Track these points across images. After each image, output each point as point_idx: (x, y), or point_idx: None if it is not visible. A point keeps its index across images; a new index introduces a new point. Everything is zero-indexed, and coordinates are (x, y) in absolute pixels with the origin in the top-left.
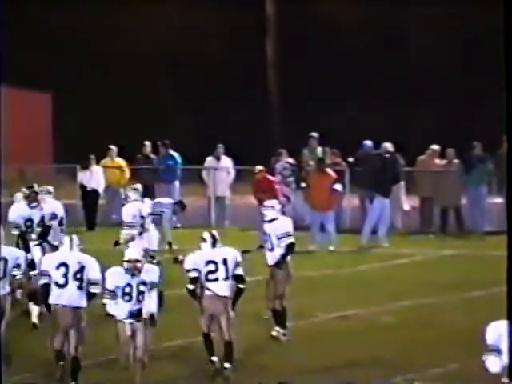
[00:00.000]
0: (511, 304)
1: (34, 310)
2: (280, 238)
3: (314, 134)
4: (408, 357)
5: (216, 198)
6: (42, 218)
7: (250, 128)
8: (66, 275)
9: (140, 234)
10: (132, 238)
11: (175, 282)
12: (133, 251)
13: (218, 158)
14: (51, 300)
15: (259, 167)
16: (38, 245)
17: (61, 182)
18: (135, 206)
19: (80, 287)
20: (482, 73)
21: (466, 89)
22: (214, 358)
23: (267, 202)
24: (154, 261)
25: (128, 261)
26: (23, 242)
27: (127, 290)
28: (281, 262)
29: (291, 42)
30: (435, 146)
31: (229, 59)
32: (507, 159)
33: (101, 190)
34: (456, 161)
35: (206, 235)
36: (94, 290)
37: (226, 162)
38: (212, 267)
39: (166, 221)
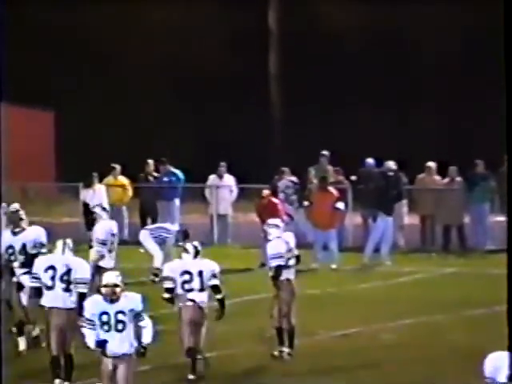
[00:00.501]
0: None
1: (21, 341)
2: (272, 259)
3: (325, 153)
4: (410, 375)
5: (218, 215)
6: (24, 246)
7: (251, 145)
8: (53, 278)
9: (110, 251)
10: (102, 257)
11: None
12: (110, 275)
13: (220, 176)
14: (43, 302)
15: (266, 191)
16: (25, 273)
17: (63, 200)
18: (108, 225)
19: (67, 289)
20: (484, 85)
21: (467, 103)
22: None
23: (270, 220)
24: (157, 279)
25: (105, 285)
26: (8, 272)
27: (104, 318)
28: (274, 279)
29: (293, 52)
30: (431, 163)
31: (230, 72)
32: (507, 177)
33: (107, 207)
34: (458, 179)
35: (189, 246)
36: (81, 289)
37: (229, 180)
38: (187, 277)
39: (170, 245)
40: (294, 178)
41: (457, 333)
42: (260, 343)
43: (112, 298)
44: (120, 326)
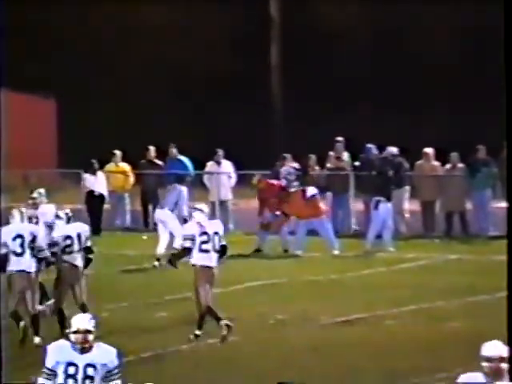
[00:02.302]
0: None
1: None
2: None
3: (340, 139)
4: (412, 361)
5: (219, 202)
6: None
7: (252, 132)
8: (22, 245)
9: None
10: None
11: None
12: (82, 319)
13: (218, 163)
14: (9, 267)
15: (257, 177)
16: None
17: (65, 187)
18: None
19: (33, 255)
20: (483, 79)
21: (467, 92)
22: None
23: (197, 204)
24: (157, 263)
25: (76, 331)
26: None
27: (71, 370)
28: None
29: (294, 46)
30: (428, 149)
31: (231, 64)
32: (507, 164)
33: (106, 194)
34: (460, 165)
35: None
36: (41, 255)
37: (227, 166)
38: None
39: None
40: (296, 165)
41: (459, 319)
42: (262, 329)
43: (83, 347)
44: (87, 383)
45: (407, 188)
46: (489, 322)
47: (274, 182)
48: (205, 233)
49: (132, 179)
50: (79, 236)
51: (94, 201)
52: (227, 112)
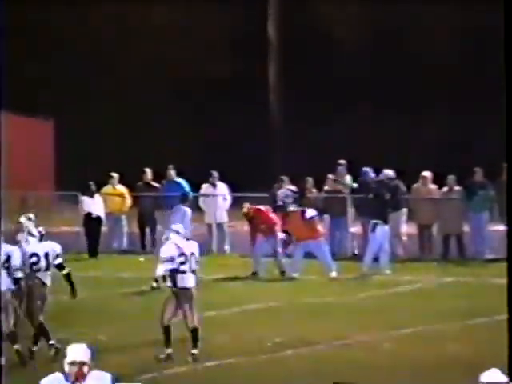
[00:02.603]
0: None
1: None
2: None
3: (342, 162)
4: None
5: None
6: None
7: (250, 154)
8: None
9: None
10: None
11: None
12: (78, 350)
13: (213, 185)
14: None
15: (245, 206)
16: None
17: (63, 209)
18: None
19: (8, 274)
20: (483, 79)
21: (467, 92)
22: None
23: (174, 226)
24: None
25: (72, 363)
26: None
27: None
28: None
29: (294, 46)
30: (426, 173)
31: (231, 64)
32: (507, 186)
33: (103, 217)
34: (457, 188)
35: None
36: (16, 275)
37: (222, 188)
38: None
39: None
40: (293, 187)
41: (457, 342)
42: (260, 352)
43: (76, 378)
44: None
45: (404, 211)
46: (487, 344)
47: (262, 207)
48: (182, 254)
49: (129, 201)
50: (47, 255)
51: (91, 223)
52: (227, 112)
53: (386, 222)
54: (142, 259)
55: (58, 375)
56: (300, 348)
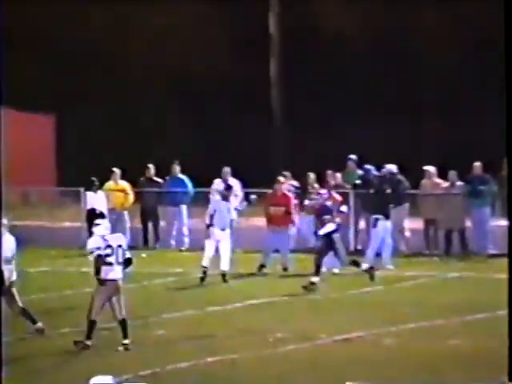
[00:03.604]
0: None
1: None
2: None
3: (353, 157)
4: (411, 379)
5: None
6: None
7: (252, 132)
8: None
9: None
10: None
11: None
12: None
13: (225, 181)
14: None
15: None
16: None
17: (64, 205)
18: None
19: None
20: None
21: (467, 92)
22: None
23: (98, 220)
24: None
25: None
26: None
27: None
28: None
29: (294, 46)
30: (428, 167)
31: (231, 64)
32: (508, 181)
33: (106, 212)
34: (459, 183)
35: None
36: None
37: (234, 184)
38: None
39: None
40: (295, 183)
41: (459, 337)
42: (262, 347)
43: None
44: None
45: (407, 206)
46: (488, 339)
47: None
48: (109, 246)
49: (131, 197)
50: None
51: (94, 219)
52: (227, 112)
53: (387, 217)
54: (144, 255)
55: None
56: (302, 343)
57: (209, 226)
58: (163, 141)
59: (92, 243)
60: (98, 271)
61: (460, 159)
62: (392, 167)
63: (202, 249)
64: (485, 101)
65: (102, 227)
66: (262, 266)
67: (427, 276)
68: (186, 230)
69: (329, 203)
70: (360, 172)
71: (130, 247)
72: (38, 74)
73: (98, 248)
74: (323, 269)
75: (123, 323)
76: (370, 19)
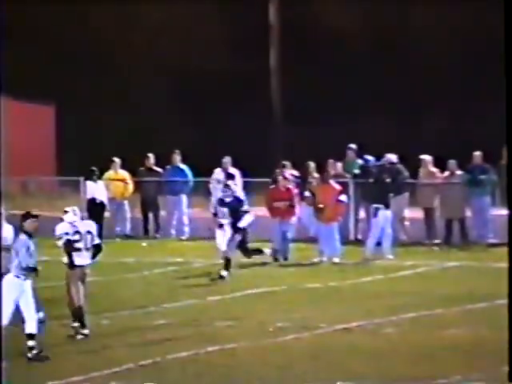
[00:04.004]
0: None
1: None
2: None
3: (353, 146)
4: (411, 368)
5: None
6: None
7: (252, 132)
8: None
9: None
10: None
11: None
12: None
13: (225, 170)
14: None
15: (286, 173)
16: None
17: (64, 194)
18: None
19: None
20: (484, 78)
21: (467, 92)
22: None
23: (68, 208)
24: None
25: None
26: None
27: None
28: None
29: (294, 46)
30: (424, 156)
31: (231, 64)
32: (507, 170)
33: (106, 202)
34: (459, 172)
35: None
36: None
37: (234, 173)
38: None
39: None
40: (295, 172)
41: (459, 326)
42: (262, 337)
43: None
44: None
45: (406, 195)
46: (488, 329)
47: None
48: (77, 232)
49: (131, 187)
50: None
51: (95, 208)
52: (227, 112)
53: (387, 206)
54: (144, 244)
55: None
56: (301, 333)
57: (215, 214)
58: (163, 130)
59: (60, 229)
60: (68, 256)
61: (460, 149)
62: (392, 157)
63: (203, 238)
64: (485, 89)
65: (71, 214)
66: (276, 260)
67: (427, 265)
68: (186, 220)
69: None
70: (359, 161)
71: (130, 237)
72: (37, 64)
73: (67, 233)
74: (324, 258)
75: (80, 310)
76: (369, 15)
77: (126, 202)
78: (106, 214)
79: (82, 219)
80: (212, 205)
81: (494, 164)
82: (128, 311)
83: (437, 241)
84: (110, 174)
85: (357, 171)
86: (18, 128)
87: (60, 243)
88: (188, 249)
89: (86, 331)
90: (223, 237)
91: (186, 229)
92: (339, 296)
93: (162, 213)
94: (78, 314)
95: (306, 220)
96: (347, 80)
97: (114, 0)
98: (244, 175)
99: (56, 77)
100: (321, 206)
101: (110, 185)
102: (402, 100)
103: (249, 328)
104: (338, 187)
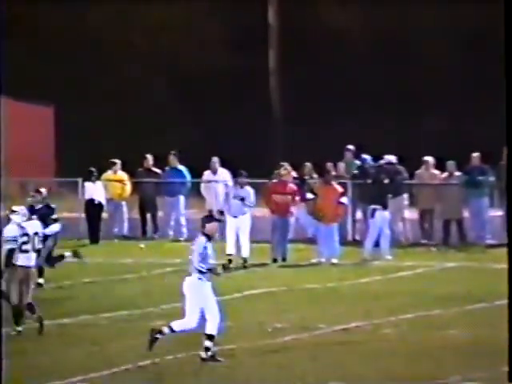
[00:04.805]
0: None
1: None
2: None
3: (350, 147)
4: (410, 369)
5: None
6: None
7: (252, 132)
8: None
9: None
10: None
11: None
12: None
13: (214, 171)
14: None
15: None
16: None
17: (63, 195)
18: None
19: None
20: (484, 79)
21: (467, 92)
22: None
23: (14, 207)
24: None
25: None
26: None
27: None
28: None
29: (294, 47)
30: (428, 158)
31: (231, 64)
32: (507, 171)
33: (104, 203)
34: (457, 173)
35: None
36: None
37: (223, 174)
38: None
39: None
40: (293, 173)
41: (457, 327)
42: (261, 337)
43: None
44: None
45: (405, 196)
46: (486, 329)
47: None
48: (25, 234)
49: (129, 187)
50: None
51: (93, 209)
52: (227, 112)
53: (385, 207)
54: (142, 245)
55: None
56: (300, 333)
57: (222, 213)
58: (163, 131)
59: (9, 231)
60: (11, 258)
61: (460, 150)
62: (391, 157)
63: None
64: (485, 90)
65: (19, 215)
66: (275, 261)
67: (425, 266)
68: (184, 221)
69: None
70: (357, 162)
71: (128, 237)
72: (37, 64)
73: (15, 238)
74: (322, 259)
75: (30, 305)
76: (369, 15)
77: (124, 203)
78: (104, 215)
79: (29, 219)
80: (208, 205)
81: (494, 165)
82: (126, 312)
83: (435, 242)
84: (108, 174)
85: (355, 172)
86: (17, 129)
87: (7, 247)
88: (186, 250)
89: (19, 328)
90: (233, 236)
91: (184, 230)
92: (338, 296)
93: (160, 214)
94: (15, 312)
95: (303, 221)
96: (347, 80)
97: (113, 0)
98: (235, 176)
99: (56, 77)
100: (321, 214)
101: (108, 185)
102: (402, 101)
103: (248, 328)
104: (340, 189)
